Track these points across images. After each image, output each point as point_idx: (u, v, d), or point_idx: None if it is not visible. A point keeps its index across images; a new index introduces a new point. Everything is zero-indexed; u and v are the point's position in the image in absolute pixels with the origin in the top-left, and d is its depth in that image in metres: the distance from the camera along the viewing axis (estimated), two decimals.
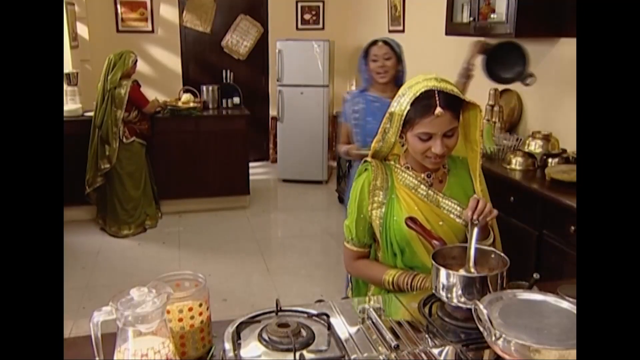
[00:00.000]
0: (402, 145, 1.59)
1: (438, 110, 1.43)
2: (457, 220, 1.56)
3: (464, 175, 1.63)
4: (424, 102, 1.45)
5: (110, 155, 4.40)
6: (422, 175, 1.59)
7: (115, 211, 4.54)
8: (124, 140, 4.42)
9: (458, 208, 1.56)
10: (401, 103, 1.48)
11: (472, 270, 1.33)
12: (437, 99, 1.43)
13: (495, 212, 1.44)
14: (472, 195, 1.48)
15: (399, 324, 1.30)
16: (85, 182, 4.48)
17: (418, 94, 1.45)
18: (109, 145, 4.39)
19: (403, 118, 1.48)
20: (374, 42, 2.75)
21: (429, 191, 1.58)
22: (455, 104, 1.48)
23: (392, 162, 1.63)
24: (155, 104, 4.75)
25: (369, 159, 1.64)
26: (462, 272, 1.31)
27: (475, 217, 1.40)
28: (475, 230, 1.36)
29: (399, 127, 1.51)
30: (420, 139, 1.48)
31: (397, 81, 2.78)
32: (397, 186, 1.59)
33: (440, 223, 1.56)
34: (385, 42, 2.74)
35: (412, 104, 1.46)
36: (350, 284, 1.82)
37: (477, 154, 1.57)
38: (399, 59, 2.76)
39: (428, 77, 1.49)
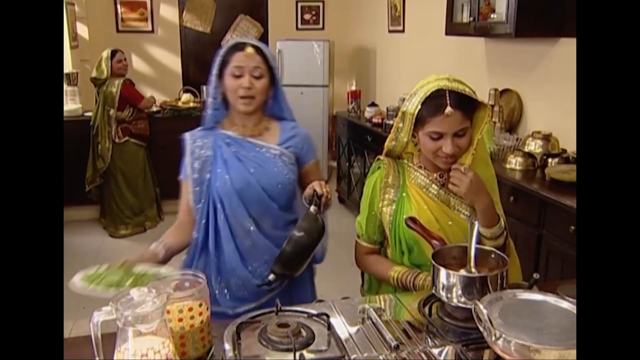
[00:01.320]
0: (415, 145, 1.60)
1: (448, 109, 1.44)
2: (467, 220, 1.56)
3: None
4: (434, 102, 1.46)
5: (103, 154, 4.41)
6: (435, 174, 1.60)
7: (112, 211, 4.55)
8: (116, 140, 4.40)
9: (468, 208, 1.57)
10: (413, 102, 1.50)
11: (472, 270, 1.33)
12: (447, 98, 1.45)
13: (465, 166, 1.48)
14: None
15: (399, 324, 1.30)
16: (85, 180, 4.50)
17: (429, 93, 1.46)
18: (101, 145, 4.40)
19: (415, 117, 1.49)
20: (239, 46, 1.64)
21: (440, 191, 1.58)
22: (466, 105, 1.48)
23: (406, 161, 1.65)
24: (151, 101, 4.71)
25: (382, 157, 1.65)
26: (462, 272, 1.31)
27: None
28: (475, 230, 1.36)
29: (411, 127, 1.52)
30: (431, 137, 1.49)
31: (272, 111, 1.72)
32: (408, 185, 1.60)
33: (450, 223, 1.56)
34: (258, 50, 1.64)
35: (423, 103, 1.47)
36: (363, 282, 1.83)
37: (469, 153, 1.53)
38: (273, 79, 1.67)
39: (440, 77, 1.50)
